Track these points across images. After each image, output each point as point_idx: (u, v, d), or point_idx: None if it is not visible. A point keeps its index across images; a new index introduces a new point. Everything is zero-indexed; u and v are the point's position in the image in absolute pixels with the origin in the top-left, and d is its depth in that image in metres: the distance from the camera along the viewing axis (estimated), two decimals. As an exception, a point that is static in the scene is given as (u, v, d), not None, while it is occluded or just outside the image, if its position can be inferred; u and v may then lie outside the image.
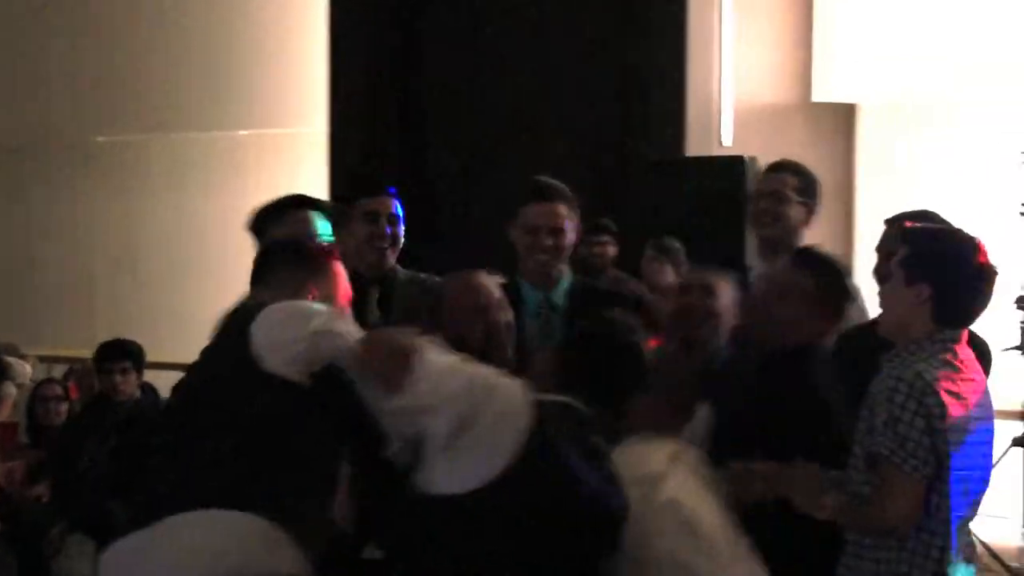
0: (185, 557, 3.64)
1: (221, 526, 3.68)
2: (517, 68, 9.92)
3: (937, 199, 7.90)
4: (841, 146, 10.35)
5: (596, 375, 3.93)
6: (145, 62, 12.58)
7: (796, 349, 4.43)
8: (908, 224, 4.13)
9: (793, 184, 5.47)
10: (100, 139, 12.83)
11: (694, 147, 9.54)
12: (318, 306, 3.95)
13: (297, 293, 4.07)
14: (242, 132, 12.16)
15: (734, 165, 8.69)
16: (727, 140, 9.74)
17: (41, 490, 7.77)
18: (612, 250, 8.37)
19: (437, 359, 3.70)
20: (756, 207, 5.60)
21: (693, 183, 8.79)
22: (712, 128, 9.79)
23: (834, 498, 3.93)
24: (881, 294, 4.10)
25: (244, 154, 12.12)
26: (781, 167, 5.64)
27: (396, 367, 3.64)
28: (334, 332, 3.84)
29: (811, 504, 3.96)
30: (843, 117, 10.50)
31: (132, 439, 7.72)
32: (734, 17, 9.84)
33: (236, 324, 3.95)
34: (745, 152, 8.86)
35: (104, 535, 7.38)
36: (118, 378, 7.89)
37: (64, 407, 8.42)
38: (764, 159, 8.76)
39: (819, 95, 10.41)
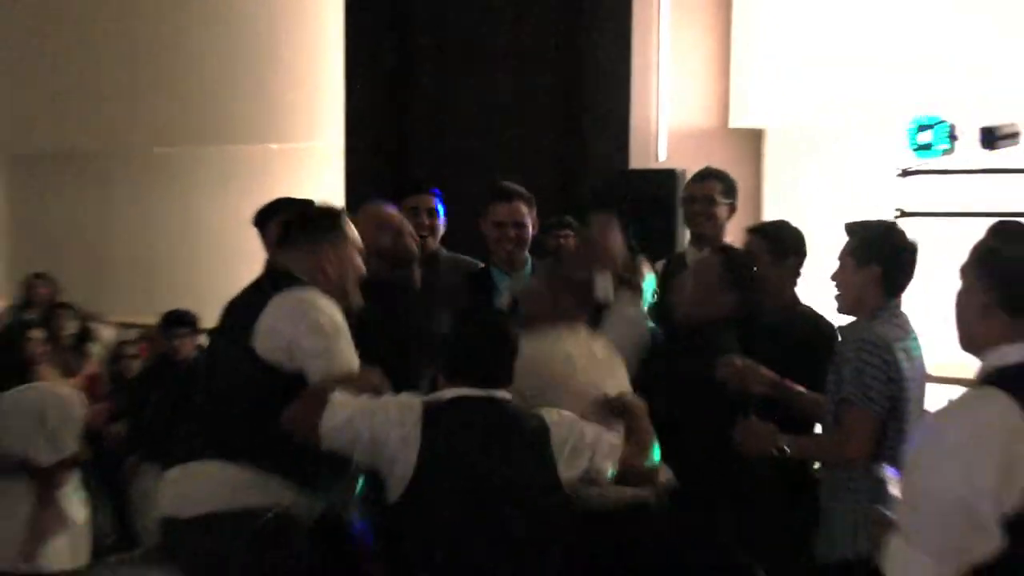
0: (195, 493, 3.96)
1: (217, 473, 3.94)
2: (496, 95, 9.97)
3: (829, 208, 8.06)
4: (752, 165, 10.36)
5: (480, 361, 3.82)
6: (195, 86, 12.57)
7: (708, 323, 4.57)
8: (847, 223, 4.28)
9: (719, 189, 5.53)
10: (158, 150, 12.84)
11: (636, 161, 9.63)
12: (334, 315, 3.98)
13: (315, 253, 4.12)
14: (272, 145, 12.16)
15: (668, 177, 8.82)
16: (662, 156, 9.78)
17: (119, 428, 7.91)
18: (573, 241, 8.43)
19: (345, 406, 3.72)
20: (691, 209, 5.59)
21: (635, 191, 8.94)
22: (650, 147, 9.82)
23: (789, 440, 4.13)
24: (835, 279, 4.23)
25: (274, 164, 12.10)
26: (708, 175, 5.68)
27: (311, 415, 3.72)
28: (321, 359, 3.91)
29: (766, 449, 4.18)
30: (753, 140, 10.49)
31: (189, 390, 7.92)
32: (670, 57, 9.90)
33: (257, 297, 4.03)
34: (677, 167, 8.96)
35: (168, 464, 7.60)
36: (178, 342, 8.08)
37: (136, 363, 8.55)
38: (692, 173, 8.98)
39: (735, 122, 10.43)
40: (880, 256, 4.12)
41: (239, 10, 12.43)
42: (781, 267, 4.86)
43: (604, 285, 4.68)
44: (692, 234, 5.67)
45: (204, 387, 4.18)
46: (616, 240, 4.80)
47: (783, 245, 4.89)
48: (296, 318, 3.92)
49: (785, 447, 4.13)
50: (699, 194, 5.60)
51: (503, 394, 3.79)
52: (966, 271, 2.92)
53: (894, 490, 3.02)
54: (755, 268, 4.80)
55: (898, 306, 4.19)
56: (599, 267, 4.68)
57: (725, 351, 4.49)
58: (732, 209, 5.58)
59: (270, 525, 3.92)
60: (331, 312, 4.01)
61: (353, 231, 4.31)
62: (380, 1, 10.46)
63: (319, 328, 3.93)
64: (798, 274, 4.94)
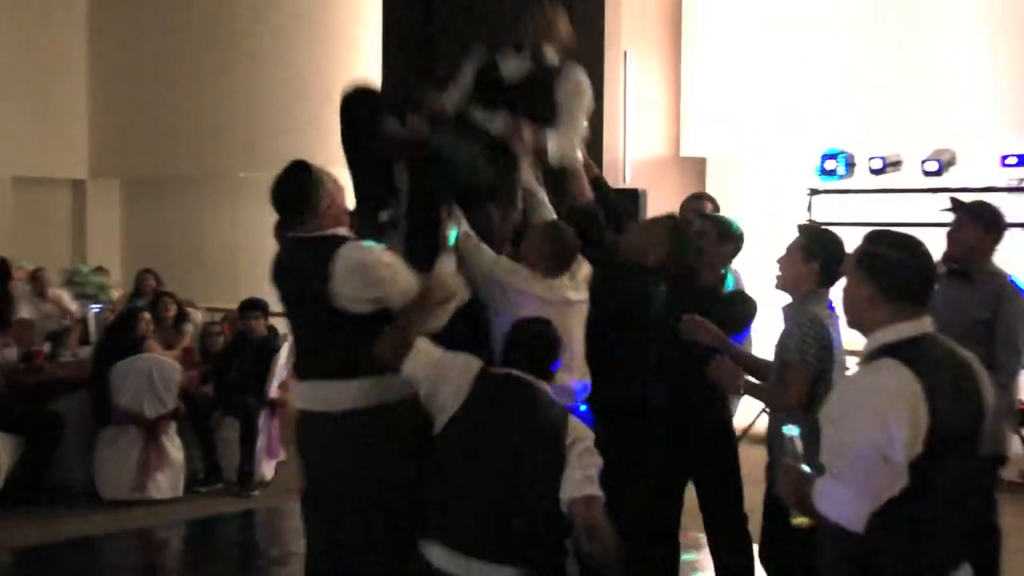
0: (335, 400, 3.73)
1: (346, 386, 3.71)
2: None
3: (755, 218, 8.04)
4: (698, 185, 10.24)
5: (528, 354, 3.73)
6: (270, 122, 12.53)
7: (642, 266, 4.43)
8: (800, 224, 4.25)
9: (709, 208, 5.36)
10: (242, 174, 12.82)
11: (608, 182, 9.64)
12: (383, 261, 3.75)
13: (314, 207, 3.77)
14: (331, 170, 12.02)
15: (633, 196, 8.70)
16: (628, 179, 9.79)
17: (208, 389, 7.88)
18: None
19: (426, 354, 3.65)
20: (685, 219, 5.42)
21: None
22: (618, 171, 9.77)
23: (745, 384, 4.13)
24: (781, 263, 4.17)
25: None
26: (702, 196, 5.52)
27: (397, 356, 3.63)
28: (394, 291, 3.71)
29: (732, 387, 4.19)
30: (698, 166, 10.48)
31: (260, 360, 7.88)
32: (633, 102, 9.88)
33: (316, 260, 3.73)
34: (639, 187, 8.96)
35: (244, 417, 7.59)
36: (253, 322, 8.01)
37: (221, 339, 8.48)
38: (652, 193, 8.94)
39: (684, 152, 10.42)
40: (823, 255, 4.08)
41: (303, 56, 12.38)
42: (722, 248, 4.78)
43: (552, 56, 4.57)
44: None
45: (305, 335, 3.89)
46: (565, 22, 4.67)
47: (727, 232, 4.82)
48: (359, 278, 3.67)
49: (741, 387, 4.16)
50: (697, 208, 5.42)
51: (543, 385, 3.71)
52: (851, 270, 2.91)
53: (799, 444, 2.99)
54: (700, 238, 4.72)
55: (827, 293, 4.18)
56: (550, 41, 4.57)
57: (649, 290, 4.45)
58: None
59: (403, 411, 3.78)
60: (377, 254, 3.77)
61: (320, 170, 3.90)
62: (410, 54, 10.41)
63: (381, 279, 3.71)
64: (733, 257, 4.86)
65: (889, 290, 2.78)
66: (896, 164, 8.61)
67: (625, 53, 9.80)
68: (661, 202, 9.28)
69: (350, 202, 4.17)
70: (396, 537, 3.70)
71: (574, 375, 4.18)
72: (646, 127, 10.12)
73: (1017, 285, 4.77)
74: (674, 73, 10.45)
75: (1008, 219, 4.96)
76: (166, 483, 7.30)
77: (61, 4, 14.44)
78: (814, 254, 4.07)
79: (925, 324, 2.79)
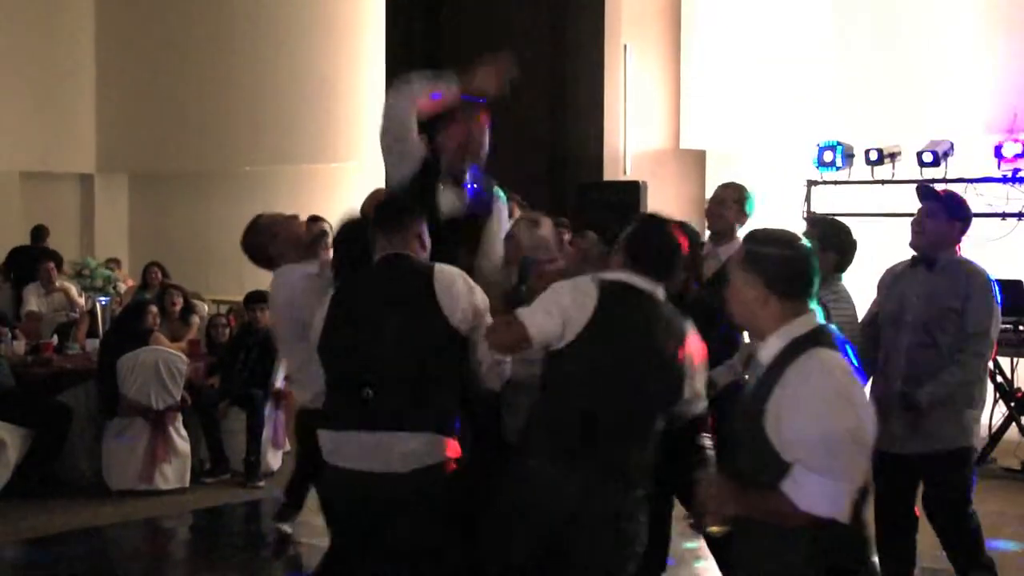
0: (392, 458, 3.56)
1: (408, 440, 3.55)
2: (504, 129, 9.92)
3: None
4: (698, 177, 10.33)
5: (652, 256, 3.57)
6: (274, 120, 12.50)
7: None
8: (810, 216, 4.22)
9: (733, 196, 4.98)
10: (247, 169, 12.79)
11: (608, 175, 9.61)
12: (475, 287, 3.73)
13: (415, 236, 3.76)
14: (333, 165, 12.08)
15: (633, 187, 8.81)
16: (629, 171, 9.76)
17: (214, 380, 7.81)
18: (567, 234, 8.39)
19: (534, 311, 3.49)
20: (708, 208, 5.13)
21: (608, 198, 8.88)
22: (619, 164, 9.79)
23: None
24: None
25: (334, 180, 12.01)
26: (728, 186, 5.14)
27: (516, 337, 3.46)
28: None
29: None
30: (698, 159, 10.43)
31: (266, 352, 7.83)
32: (633, 96, 9.87)
33: (413, 280, 3.66)
34: (640, 179, 8.99)
35: (250, 408, 7.54)
36: (258, 314, 7.92)
37: (227, 331, 8.44)
38: (652, 185, 8.93)
39: (684, 144, 10.38)
40: (837, 246, 4.19)
41: (307, 57, 12.33)
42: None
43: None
44: (710, 230, 5.22)
45: (386, 365, 3.64)
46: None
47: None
48: (461, 292, 3.63)
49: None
50: (717, 196, 5.04)
51: (660, 292, 3.56)
52: (736, 272, 2.79)
53: (712, 455, 2.92)
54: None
55: (839, 279, 4.24)
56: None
57: None
58: (741, 212, 4.97)
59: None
60: (459, 272, 3.73)
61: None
62: (413, 49, 10.38)
63: (474, 285, 3.71)
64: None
65: (780, 288, 2.72)
66: (893, 155, 8.57)
67: (625, 47, 9.78)
68: (661, 194, 9.30)
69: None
70: None
71: None
72: (646, 120, 10.09)
73: (987, 275, 4.64)
74: (673, 66, 10.40)
75: (1006, 209, 4.89)
76: (173, 474, 7.25)
77: (69, 1, 14.40)
78: (829, 244, 4.12)
79: (816, 315, 2.75)
